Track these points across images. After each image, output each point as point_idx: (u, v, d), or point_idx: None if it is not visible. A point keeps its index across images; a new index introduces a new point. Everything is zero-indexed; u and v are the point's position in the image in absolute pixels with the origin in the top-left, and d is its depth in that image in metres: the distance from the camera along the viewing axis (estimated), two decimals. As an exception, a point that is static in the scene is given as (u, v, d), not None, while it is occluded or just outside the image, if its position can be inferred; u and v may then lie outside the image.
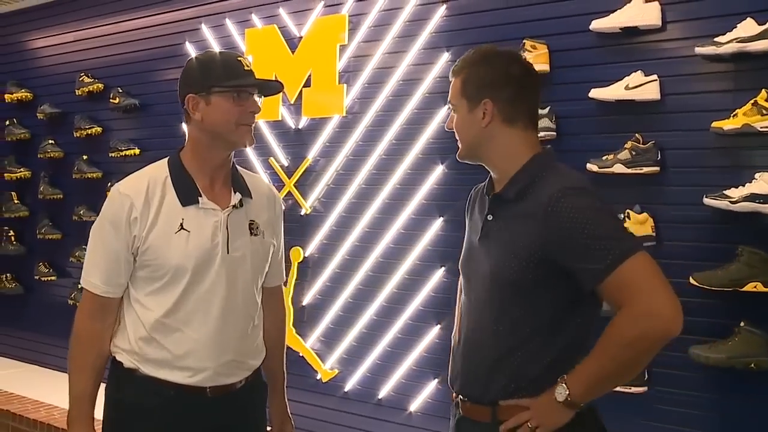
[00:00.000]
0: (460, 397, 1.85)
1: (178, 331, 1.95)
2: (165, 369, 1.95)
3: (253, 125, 2.02)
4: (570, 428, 1.68)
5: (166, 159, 2.06)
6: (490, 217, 1.81)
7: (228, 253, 1.98)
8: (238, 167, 2.12)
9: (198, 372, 1.96)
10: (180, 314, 1.95)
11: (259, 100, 2.03)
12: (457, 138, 1.87)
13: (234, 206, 2.03)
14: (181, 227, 1.95)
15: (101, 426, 2.02)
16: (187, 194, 1.98)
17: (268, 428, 2.26)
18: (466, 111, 1.82)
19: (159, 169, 2.02)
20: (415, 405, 3.67)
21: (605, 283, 1.61)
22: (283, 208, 4.03)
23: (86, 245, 4.97)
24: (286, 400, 2.31)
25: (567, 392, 1.64)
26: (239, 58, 2.02)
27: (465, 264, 1.91)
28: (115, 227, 1.95)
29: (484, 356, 1.78)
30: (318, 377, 4.00)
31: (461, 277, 1.94)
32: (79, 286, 2.05)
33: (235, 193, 2.05)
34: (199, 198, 1.98)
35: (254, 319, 2.09)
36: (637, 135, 2.97)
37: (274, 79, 2.22)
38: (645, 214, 2.94)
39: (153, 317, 1.95)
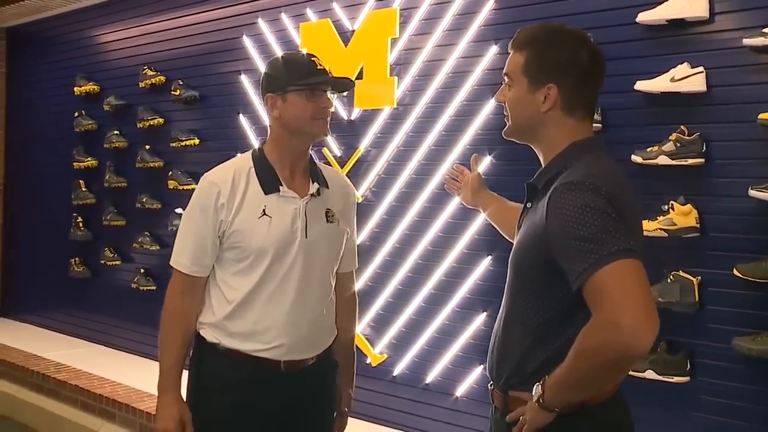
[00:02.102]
0: (491, 381, 1.86)
1: (258, 308, 2.12)
2: (245, 342, 2.12)
3: (329, 118, 2.17)
4: (562, 427, 1.62)
5: (250, 152, 2.24)
6: (529, 205, 1.76)
7: (306, 237, 2.14)
8: (316, 161, 2.29)
9: (274, 346, 2.12)
10: (261, 293, 2.12)
11: (333, 97, 2.19)
12: (507, 113, 1.79)
13: (312, 195, 2.19)
14: (264, 213, 2.12)
15: (186, 397, 2.20)
16: (269, 183, 2.15)
17: None
18: (526, 91, 1.71)
19: (244, 161, 2.20)
20: (461, 390, 3.76)
21: (585, 286, 1.49)
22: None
23: (148, 232, 5.19)
24: (354, 381, 2.45)
25: (540, 394, 1.60)
26: (313, 59, 2.17)
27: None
28: (203, 212, 2.12)
29: (498, 347, 1.79)
30: (368, 362, 4.12)
31: None
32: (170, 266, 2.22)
33: (313, 183, 2.21)
34: (280, 187, 2.15)
35: (328, 300, 2.25)
36: (682, 127, 2.98)
37: (344, 77, 2.35)
38: (689, 206, 2.95)
39: (237, 295, 2.12)
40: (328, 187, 2.25)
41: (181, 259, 2.16)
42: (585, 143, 1.71)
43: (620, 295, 1.45)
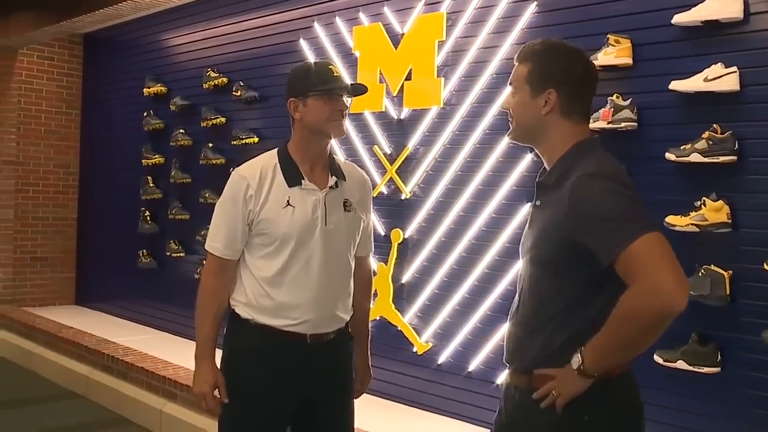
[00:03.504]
0: (508, 364, 2.00)
1: (286, 287, 2.36)
2: (275, 318, 2.37)
3: (344, 120, 2.42)
4: (587, 400, 1.79)
5: (276, 149, 2.49)
6: (538, 203, 1.97)
7: (326, 225, 2.39)
8: (335, 156, 2.53)
9: (301, 321, 2.37)
10: (287, 274, 2.36)
11: (349, 100, 2.43)
12: (511, 118, 2.00)
13: (331, 187, 2.43)
14: (288, 203, 2.37)
15: (220, 366, 2.45)
16: (293, 177, 2.39)
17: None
18: (528, 97, 1.93)
19: (270, 157, 2.45)
20: (502, 378, 3.89)
21: (618, 260, 1.69)
22: (386, 192, 4.40)
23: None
24: (369, 354, 2.69)
25: (580, 362, 1.77)
26: (330, 66, 2.43)
27: (521, 246, 2.09)
28: (234, 203, 2.38)
29: (522, 328, 1.95)
30: (414, 350, 4.30)
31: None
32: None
33: (331, 176, 2.45)
34: (302, 180, 2.40)
35: (347, 280, 2.50)
36: (714, 125, 3.07)
37: (358, 82, 2.58)
38: (721, 202, 3.04)
39: (266, 275, 2.37)
40: (345, 180, 2.48)
41: (215, 243, 2.41)
42: (588, 143, 1.93)
43: (654, 263, 1.66)
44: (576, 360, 1.78)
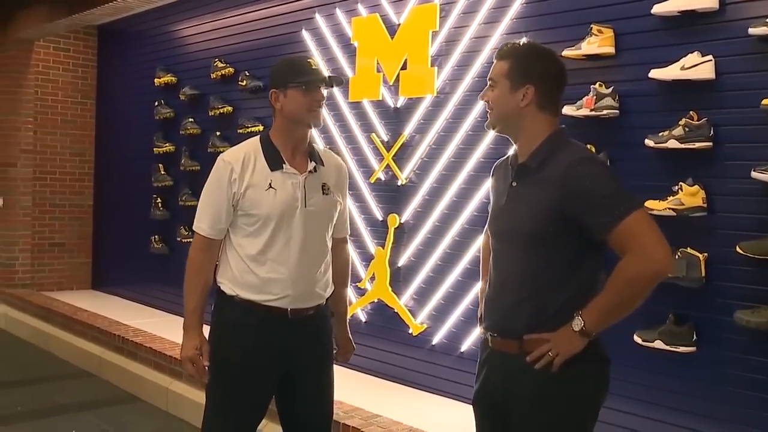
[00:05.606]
0: (490, 333, 2.19)
1: (268, 265, 2.53)
2: (258, 293, 2.54)
3: (321, 110, 2.58)
4: (580, 356, 2.02)
5: (258, 136, 2.66)
6: (514, 184, 2.15)
7: (305, 207, 2.55)
8: (314, 145, 2.69)
9: (282, 296, 2.53)
10: (269, 252, 2.53)
11: (325, 92, 2.59)
12: (490, 109, 2.19)
13: (310, 172, 2.60)
14: (270, 186, 2.53)
15: (208, 340, 2.61)
16: (275, 162, 2.56)
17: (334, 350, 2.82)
18: (507, 91, 2.12)
19: (253, 144, 2.62)
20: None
21: (613, 233, 1.94)
22: (383, 178, 4.53)
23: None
24: (348, 327, 2.87)
25: (582, 323, 1.99)
26: (308, 60, 2.60)
27: (493, 223, 2.27)
28: (219, 185, 2.54)
29: (510, 298, 2.12)
30: (410, 331, 4.45)
31: (490, 235, 2.31)
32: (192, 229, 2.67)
33: (310, 161, 2.61)
34: (283, 165, 2.56)
35: (325, 259, 2.65)
36: (691, 112, 3.17)
37: (336, 74, 2.74)
38: (696, 187, 3.13)
39: (249, 253, 2.54)
40: (323, 165, 2.64)
41: (201, 224, 2.58)
42: (563, 133, 2.16)
43: (647, 235, 1.93)
44: (578, 322, 1.99)
